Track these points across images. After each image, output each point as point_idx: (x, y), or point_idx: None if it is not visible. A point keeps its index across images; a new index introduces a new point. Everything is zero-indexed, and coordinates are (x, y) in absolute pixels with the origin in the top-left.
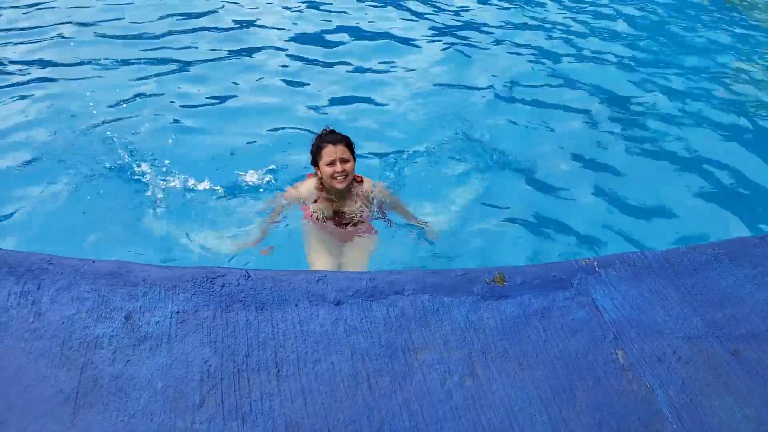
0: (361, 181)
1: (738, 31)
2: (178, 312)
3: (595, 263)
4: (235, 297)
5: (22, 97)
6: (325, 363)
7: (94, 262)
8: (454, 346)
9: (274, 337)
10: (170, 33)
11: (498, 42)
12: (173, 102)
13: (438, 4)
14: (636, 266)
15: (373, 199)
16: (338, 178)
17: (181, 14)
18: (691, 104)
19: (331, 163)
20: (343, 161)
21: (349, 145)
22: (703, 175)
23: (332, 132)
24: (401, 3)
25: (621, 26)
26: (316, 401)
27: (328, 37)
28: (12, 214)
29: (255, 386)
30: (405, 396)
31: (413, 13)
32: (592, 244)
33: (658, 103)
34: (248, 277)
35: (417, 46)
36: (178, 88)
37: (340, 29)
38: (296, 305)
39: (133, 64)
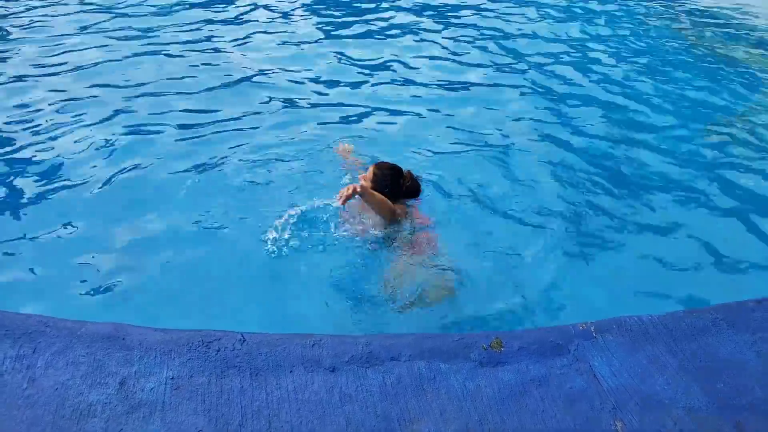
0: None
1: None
2: (173, 378)
3: (592, 328)
4: (230, 362)
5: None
6: None
7: (90, 324)
8: (450, 417)
9: (269, 405)
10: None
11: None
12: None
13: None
14: (633, 331)
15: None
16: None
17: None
18: (688, 159)
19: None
20: (365, 176)
21: (376, 174)
22: (698, 235)
23: (385, 162)
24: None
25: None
26: None
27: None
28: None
29: None
30: None
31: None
32: (588, 306)
33: (651, 160)
34: (243, 341)
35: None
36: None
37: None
38: (291, 371)
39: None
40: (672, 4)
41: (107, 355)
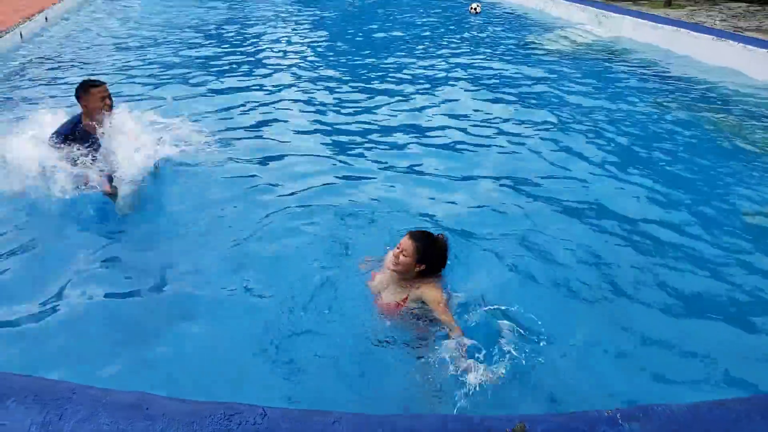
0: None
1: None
2: None
3: (618, 415)
4: None
5: None
6: None
7: (115, 392)
8: None
9: None
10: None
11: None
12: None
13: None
14: (662, 420)
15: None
16: (393, 261)
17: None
18: (722, 239)
19: (396, 250)
20: (403, 253)
21: (419, 248)
22: (728, 324)
23: (416, 231)
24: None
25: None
26: None
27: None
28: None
29: None
30: None
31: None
32: (613, 390)
33: (685, 242)
34: (264, 415)
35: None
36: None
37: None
38: None
39: None
40: (691, 89)
41: (130, 424)
